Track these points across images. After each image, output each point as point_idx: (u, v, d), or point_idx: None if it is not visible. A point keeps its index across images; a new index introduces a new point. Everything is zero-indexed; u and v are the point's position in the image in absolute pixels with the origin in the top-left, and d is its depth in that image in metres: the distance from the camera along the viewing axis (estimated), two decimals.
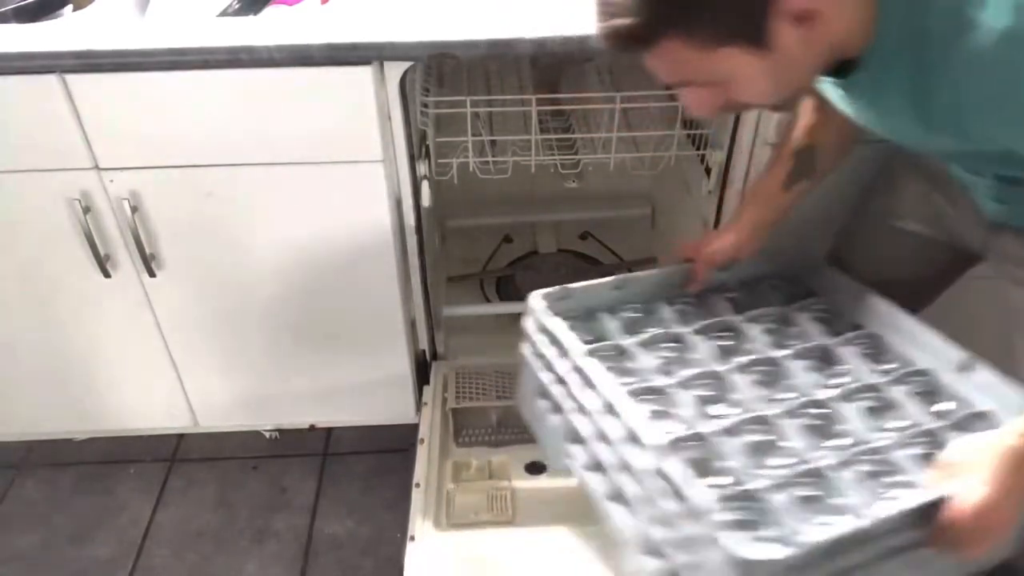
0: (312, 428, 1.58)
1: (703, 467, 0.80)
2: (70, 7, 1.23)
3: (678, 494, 0.75)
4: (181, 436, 1.64)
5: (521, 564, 1.07)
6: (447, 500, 1.17)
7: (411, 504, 1.15)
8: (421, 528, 1.11)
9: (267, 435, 1.61)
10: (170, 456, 1.60)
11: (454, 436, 1.31)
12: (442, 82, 1.39)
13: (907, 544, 0.74)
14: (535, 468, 1.25)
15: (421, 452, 1.25)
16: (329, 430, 1.64)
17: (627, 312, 1.05)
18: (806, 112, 1.00)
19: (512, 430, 1.31)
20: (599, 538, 1.06)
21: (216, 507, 1.51)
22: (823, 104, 0.93)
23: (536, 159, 1.29)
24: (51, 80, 1.05)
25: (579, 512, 1.11)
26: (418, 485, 1.18)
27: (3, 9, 1.18)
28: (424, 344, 1.44)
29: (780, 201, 1.03)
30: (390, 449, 1.59)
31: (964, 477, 0.72)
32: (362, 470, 1.57)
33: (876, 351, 0.97)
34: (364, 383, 1.44)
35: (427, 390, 1.41)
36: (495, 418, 1.33)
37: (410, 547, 1.08)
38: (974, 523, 0.71)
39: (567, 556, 1.08)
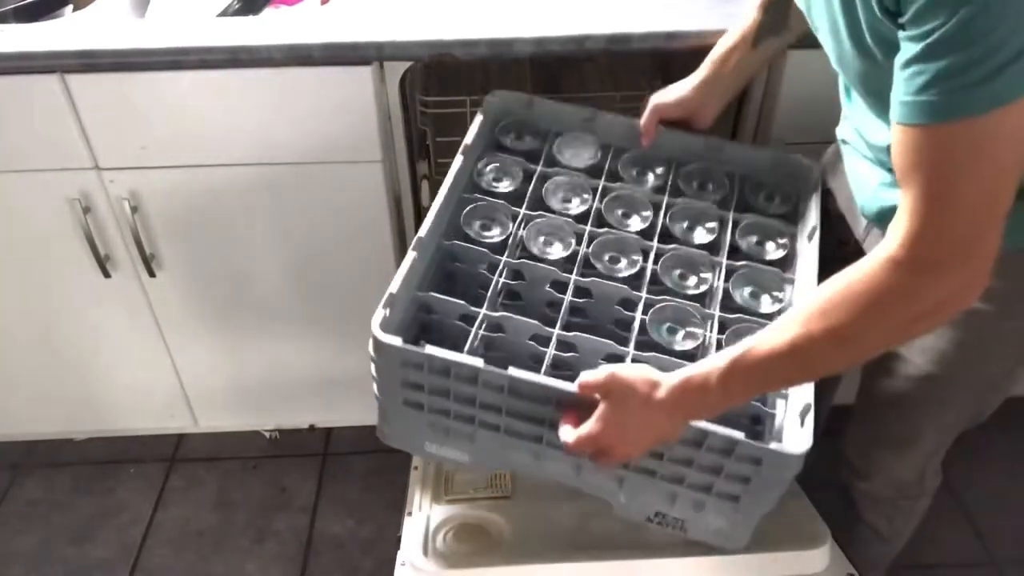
0: (312, 428, 1.58)
1: None
2: (70, 7, 1.23)
3: None
4: (181, 436, 1.63)
5: (519, 534, 1.06)
6: (445, 479, 1.16)
7: (408, 485, 1.14)
8: (418, 504, 1.10)
9: (267, 435, 1.61)
10: (170, 456, 1.60)
11: None
12: (442, 82, 1.39)
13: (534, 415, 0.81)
14: None
15: None
16: (329, 430, 1.64)
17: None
18: None
19: None
20: (605, 516, 1.05)
21: (216, 507, 1.51)
22: None
23: None
24: (51, 80, 1.05)
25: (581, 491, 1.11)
26: (416, 468, 1.17)
27: (3, 9, 1.19)
28: None
29: (744, 58, 0.93)
30: (390, 449, 1.59)
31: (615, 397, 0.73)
32: (362, 470, 1.57)
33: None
34: (364, 383, 1.43)
35: None
36: None
37: (407, 521, 1.08)
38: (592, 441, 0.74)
39: (567, 530, 1.06)
